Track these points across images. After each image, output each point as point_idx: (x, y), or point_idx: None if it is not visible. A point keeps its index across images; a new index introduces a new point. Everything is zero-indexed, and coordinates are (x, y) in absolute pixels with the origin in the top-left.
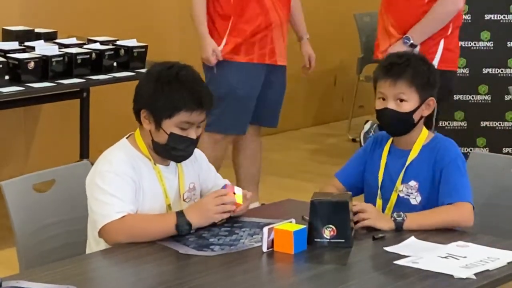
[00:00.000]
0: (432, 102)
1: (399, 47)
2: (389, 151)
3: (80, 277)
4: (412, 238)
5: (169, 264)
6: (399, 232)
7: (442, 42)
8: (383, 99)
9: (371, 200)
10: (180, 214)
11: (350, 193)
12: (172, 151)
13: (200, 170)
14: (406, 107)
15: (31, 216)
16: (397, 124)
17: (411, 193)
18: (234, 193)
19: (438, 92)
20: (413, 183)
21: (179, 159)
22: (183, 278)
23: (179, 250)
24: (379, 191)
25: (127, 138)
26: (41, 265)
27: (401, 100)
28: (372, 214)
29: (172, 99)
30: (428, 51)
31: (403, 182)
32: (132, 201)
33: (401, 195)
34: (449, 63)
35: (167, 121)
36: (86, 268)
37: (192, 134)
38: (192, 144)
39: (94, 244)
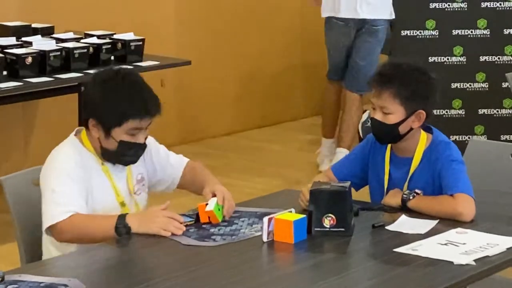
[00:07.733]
0: (422, 115)
1: None
2: (390, 159)
3: (82, 270)
4: (403, 217)
5: (171, 255)
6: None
7: None
8: (373, 108)
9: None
10: (121, 216)
11: (349, 182)
12: (122, 157)
13: (151, 158)
14: (391, 119)
15: (31, 210)
16: (382, 135)
17: None
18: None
19: None
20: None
21: (127, 163)
22: (186, 269)
23: (181, 241)
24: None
25: (75, 135)
26: (42, 259)
27: (386, 113)
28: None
29: (120, 107)
30: None
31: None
32: (80, 199)
33: None
34: None
35: (116, 129)
36: (87, 261)
37: (141, 138)
38: (141, 148)
39: (49, 243)
